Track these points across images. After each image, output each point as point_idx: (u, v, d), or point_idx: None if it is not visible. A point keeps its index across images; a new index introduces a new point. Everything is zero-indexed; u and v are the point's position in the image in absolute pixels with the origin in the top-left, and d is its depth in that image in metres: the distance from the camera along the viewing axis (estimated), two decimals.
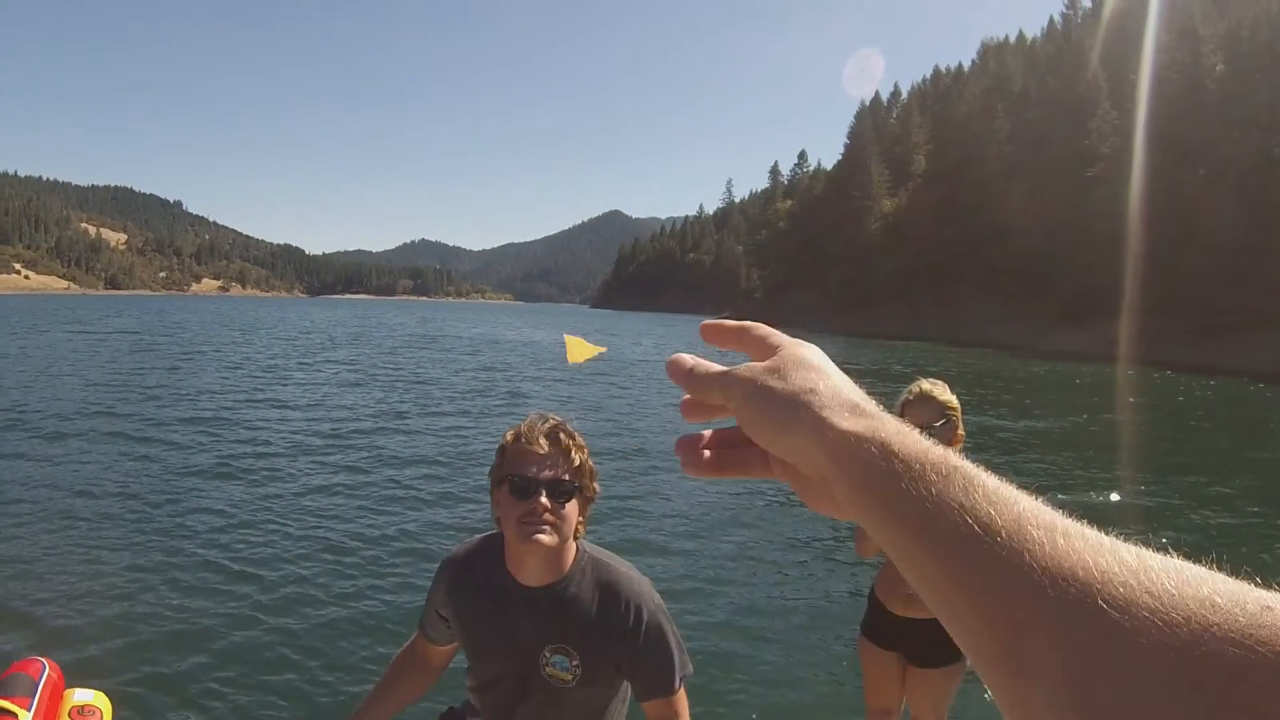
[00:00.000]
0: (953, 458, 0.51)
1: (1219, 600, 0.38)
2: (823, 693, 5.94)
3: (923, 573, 0.48)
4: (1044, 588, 0.42)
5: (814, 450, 0.56)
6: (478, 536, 2.60)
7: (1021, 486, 0.49)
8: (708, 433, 0.68)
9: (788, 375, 0.60)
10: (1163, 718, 0.36)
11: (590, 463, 2.37)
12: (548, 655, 2.33)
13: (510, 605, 2.38)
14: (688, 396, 0.67)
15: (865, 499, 0.52)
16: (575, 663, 2.31)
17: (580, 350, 0.92)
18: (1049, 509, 0.47)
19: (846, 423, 0.55)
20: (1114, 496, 12.15)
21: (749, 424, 0.61)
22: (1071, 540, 0.43)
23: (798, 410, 0.57)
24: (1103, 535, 0.44)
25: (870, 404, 0.58)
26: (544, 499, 2.22)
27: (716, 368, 0.65)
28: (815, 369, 0.60)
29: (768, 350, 0.64)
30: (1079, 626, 0.40)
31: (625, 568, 2.44)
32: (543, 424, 2.34)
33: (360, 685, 5.59)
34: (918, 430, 0.55)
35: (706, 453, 0.67)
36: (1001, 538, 0.44)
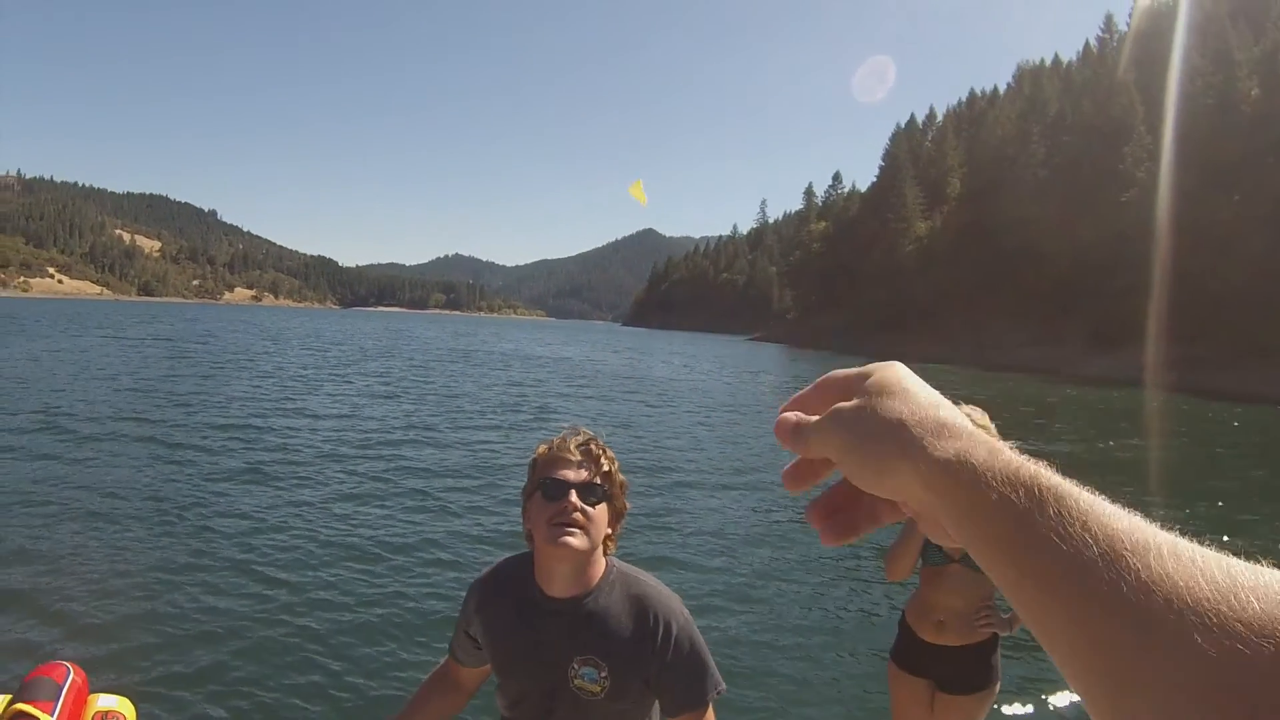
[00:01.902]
0: (1044, 477, 0.50)
1: None
2: (846, 714, 5.89)
3: (1024, 600, 0.48)
4: (1138, 619, 0.41)
5: (915, 487, 0.55)
6: (504, 556, 2.60)
7: None
8: (831, 491, 0.65)
9: (875, 410, 0.58)
10: None
11: (621, 476, 2.37)
12: (576, 667, 2.30)
13: (538, 618, 2.36)
14: (787, 466, 0.65)
15: (964, 530, 0.52)
16: (604, 674, 2.29)
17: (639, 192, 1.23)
18: (1144, 524, 0.46)
19: (938, 450, 0.54)
20: None
21: (852, 475, 0.60)
22: (1165, 562, 0.43)
23: (890, 448, 0.56)
24: (1195, 549, 0.44)
25: (959, 421, 0.56)
26: (574, 498, 2.23)
27: (814, 420, 0.62)
28: (898, 394, 0.58)
29: (851, 387, 0.62)
30: (1174, 661, 0.39)
31: (655, 582, 2.42)
32: (574, 436, 2.36)
33: (384, 691, 5.61)
34: (1008, 447, 0.54)
35: (837, 519, 0.64)
36: (1098, 567, 0.44)
